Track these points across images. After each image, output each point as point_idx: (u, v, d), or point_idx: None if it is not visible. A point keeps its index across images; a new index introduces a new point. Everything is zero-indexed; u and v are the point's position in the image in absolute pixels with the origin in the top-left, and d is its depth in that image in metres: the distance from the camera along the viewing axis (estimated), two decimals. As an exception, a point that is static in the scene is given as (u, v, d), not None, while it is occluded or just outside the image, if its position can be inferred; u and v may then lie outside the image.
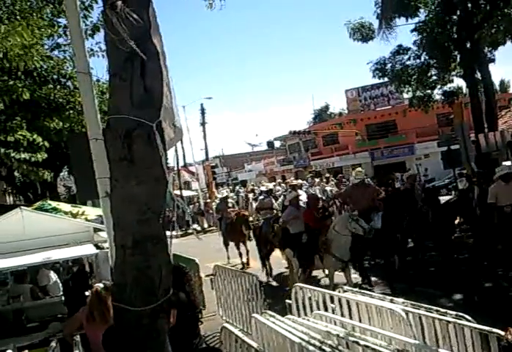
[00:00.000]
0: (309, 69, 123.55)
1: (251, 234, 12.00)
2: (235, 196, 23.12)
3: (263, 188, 14.94)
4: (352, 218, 8.19)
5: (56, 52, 9.75)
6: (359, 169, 13.01)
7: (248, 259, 12.78)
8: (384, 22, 16.41)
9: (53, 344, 5.12)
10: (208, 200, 27.09)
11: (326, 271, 9.26)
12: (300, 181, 16.46)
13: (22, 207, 7.82)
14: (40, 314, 7.69)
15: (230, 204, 14.97)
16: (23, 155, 8.35)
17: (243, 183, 44.30)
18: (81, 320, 4.78)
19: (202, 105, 42.64)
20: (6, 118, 8.93)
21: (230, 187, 31.67)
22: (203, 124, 42.72)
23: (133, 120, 2.68)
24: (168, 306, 2.84)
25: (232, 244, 13.52)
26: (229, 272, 7.77)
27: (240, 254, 13.02)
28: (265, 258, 11.17)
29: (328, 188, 17.61)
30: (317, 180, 20.79)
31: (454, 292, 7.80)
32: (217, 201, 27.03)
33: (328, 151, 42.93)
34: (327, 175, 19.32)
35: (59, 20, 9.22)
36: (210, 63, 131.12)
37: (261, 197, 14.17)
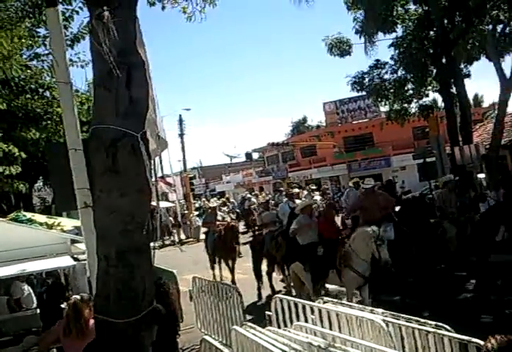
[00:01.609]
0: (288, 82, 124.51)
1: (250, 249, 11.05)
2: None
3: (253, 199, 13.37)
4: (375, 240, 7.40)
5: (34, 62, 9.65)
6: (355, 179, 12.75)
7: (234, 277, 11.62)
8: (367, 37, 16.76)
9: (29, 358, 5.02)
10: (186, 212, 26.92)
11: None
12: (297, 190, 15.27)
13: (-3, 218, 7.70)
14: (14, 328, 7.54)
15: (220, 217, 13.36)
16: None
17: (222, 195, 44.23)
18: (58, 334, 4.69)
19: (180, 116, 42.54)
20: (-19, 129, 8.77)
21: (222, 198, 30.99)
22: (181, 135, 42.61)
23: (118, 130, 2.68)
24: (151, 318, 2.81)
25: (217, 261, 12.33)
26: (207, 284, 7.70)
27: (232, 271, 11.81)
28: (262, 275, 10.44)
29: (318, 198, 16.75)
30: (305, 191, 20.08)
31: (433, 302, 7.84)
32: (195, 212, 27.00)
33: (306, 163, 43.25)
34: (313, 187, 18.79)
35: (39, 30, 9.15)
36: (190, 75, 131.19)
37: (258, 211, 12.78)
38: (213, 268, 12.48)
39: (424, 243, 8.75)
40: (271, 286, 10.29)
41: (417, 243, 8.69)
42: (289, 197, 12.28)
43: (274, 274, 10.42)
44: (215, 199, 24.91)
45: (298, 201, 11.69)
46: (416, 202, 10.60)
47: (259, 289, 10.37)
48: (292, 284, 9.69)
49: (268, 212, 11.48)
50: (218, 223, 12.69)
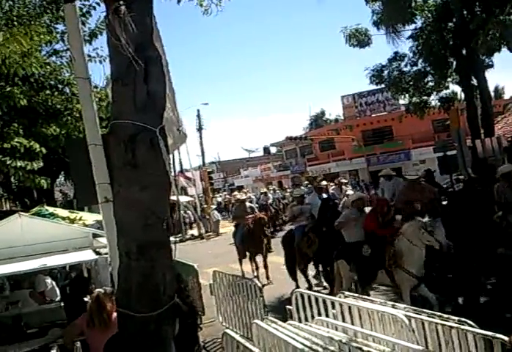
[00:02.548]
0: (306, 76, 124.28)
1: (280, 243, 10.57)
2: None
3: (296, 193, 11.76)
4: (424, 229, 6.72)
5: (53, 58, 9.73)
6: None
7: (268, 273, 11.25)
8: (390, 28, 16.51)
9: (54, 351, 5.09)
10: (205, 206, 27.05)
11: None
12: (324, 182, 14.11)
13: (21, 213, 7.80)
14: (39, 320, 7.63)
15: (249, 209, 12.59)
16: (18, 163, 8.29)
17: (240, 189, 44.34)
18: (82, 326, 4.77)
19: (198, 111, 42.86)
20: (3, 124, 8.89)
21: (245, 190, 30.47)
22: (200, 129, 42.89)
23: (137, 125, 2.68)
24: (173, 312, 2.81)
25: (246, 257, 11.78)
26: (228, 278, 7.73)
27: (257, 268, 11.51)
28: (297, 272, 9.95)
29: (350, 192, 15.90)
30: (332, 184, 18.73)
31: (456, 297, 7.70)
32: (213, 205, 27.11)
33: (324, 157, 43.14)
34: (342, 180, 18.20)
35: (57, 26, 9.23)
36: (208, 70, 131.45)
37: (291, 204, 11.86)
38: (241, 263, 12.06)
39: (482, 237, 7.93)
40: (296, 282, 9.93)
41: (470, 238, 7.92)
42: (318, 191, 11.45)
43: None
44: (236, 193, 24.64)
45: (325, 195, 11.32)
46: (470, 194, 9.15)
47: (296, 283, 9.84)
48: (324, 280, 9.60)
49: (300, 206, 10.69)
50: (248, 216, 12.08)
